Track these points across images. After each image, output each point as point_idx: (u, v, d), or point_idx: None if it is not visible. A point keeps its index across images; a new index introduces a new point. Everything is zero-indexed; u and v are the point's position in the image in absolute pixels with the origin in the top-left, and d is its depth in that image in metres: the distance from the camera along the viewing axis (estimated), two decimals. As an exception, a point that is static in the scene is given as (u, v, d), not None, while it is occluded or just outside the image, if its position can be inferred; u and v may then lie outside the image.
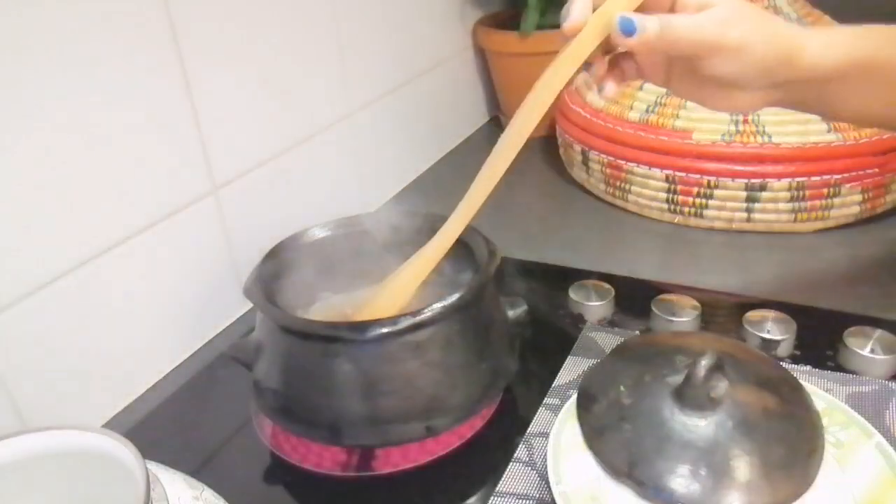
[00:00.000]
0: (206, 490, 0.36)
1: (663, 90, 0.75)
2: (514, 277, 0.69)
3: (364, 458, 0.50)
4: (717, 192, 0.72)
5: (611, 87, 0.46)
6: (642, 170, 0.75)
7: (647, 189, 0.76)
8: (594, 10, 0.42)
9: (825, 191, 0.70)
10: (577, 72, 0.44)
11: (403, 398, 0.47)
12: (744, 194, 0.71)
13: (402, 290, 0.52)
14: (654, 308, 0.61)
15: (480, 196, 0.48)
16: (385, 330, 0.45)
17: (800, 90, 0.46)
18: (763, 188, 0.70)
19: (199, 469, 0.50)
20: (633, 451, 0.43)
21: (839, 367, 0.54)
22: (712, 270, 0.69)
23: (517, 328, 0.54)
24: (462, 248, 0.55)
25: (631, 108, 0.76)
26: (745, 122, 0.70)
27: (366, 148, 0.81)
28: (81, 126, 0.50)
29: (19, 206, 0.47)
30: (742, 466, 0.41)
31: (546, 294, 0.67)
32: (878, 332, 0.55)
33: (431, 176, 0.94)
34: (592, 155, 0.80)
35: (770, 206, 0.71)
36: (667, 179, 0.73)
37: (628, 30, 0.41)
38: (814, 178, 0.69)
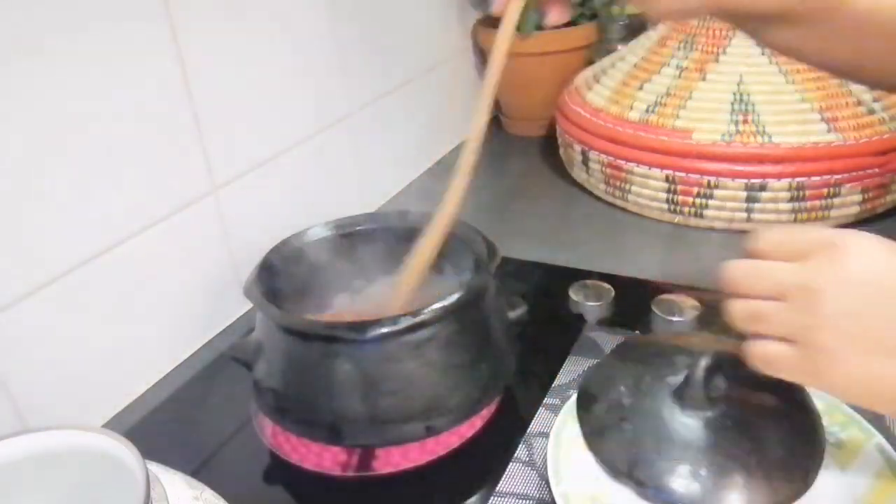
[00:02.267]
0: (206, 490, 0.36)
1: (664, 90, 0.75)
2: (514, 277, 0.69)
3: (364, 458, 0.50)
4: (717, 192, 0.72)
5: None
6: (642, 170, 0.75)
7: (647, 189, 0.76)
8: None
9: (825, 191, 0.70)
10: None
11: (403, 398, 0.47)
12: (744, 194, 0.71)
13: (403, 288, 0.52)
14: (654, 308, 0.61)
15: (464, 180, 0.50)
16: (385, 330, 0.45)
17: (746, 22, 0.45)
18: (763, 188, 0.70)
19: (199, 469, 0.50)
20: (633, 451, 0.43)
21: (839, 367, 0.54)
22: (712, 270, 0.69)
23: (517, 328, 0.54)
24: (462, 248, 0.55)
25: (631, 108, 0.76)
26: (746, 122, 0.70)
27: (366, 148, 0.81)
28: (82, 126, 0.50)
29: (19, 206, 0.47)
30: (742, 466, 0.41)
31: (546, 294, 0.67)
32: (878, 332, 0.55)
33: (431, 176, 0.94)
34: (592, 155, 0.80)
35: (770, 206, 0.71)
36: (667, 179, 0.73)
37: None
38: (814, 178, 0.69)
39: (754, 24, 0.46)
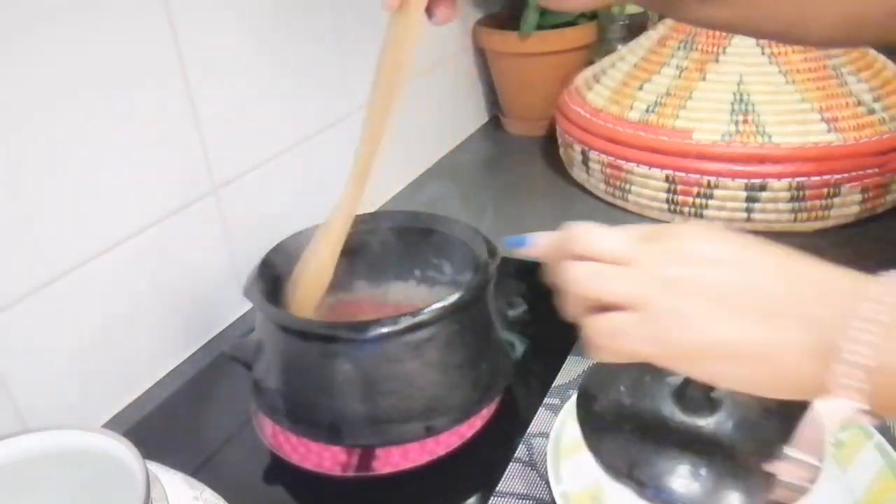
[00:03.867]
0: (206, 490, 0.36)
1: (664, 90, 0.75)
2: (514, 277, 0.69)
3: (364, 458, 0.50)
4: (717, 192, 0.72)
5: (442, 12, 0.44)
6: (642, 170, 0.75)
7: (647, 189, 0.76)
8: None
9: (825, 191, 0.70)
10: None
11: (403, 398, 0.47)
12: (744, 194, 0.71)
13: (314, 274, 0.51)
14: (654, 308, 0.61)
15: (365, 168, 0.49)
16: (385, 330, 0.45)
17: (669, 7, 0.45)
18: (763, 188, 0.70)
19: (199, 469, 0.50)
20: (633, 451, 0.43)
21: (839, 367, 0.54)
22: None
23: (517, 328, 0.54)
24: (462, 248, 0.55)
25: (631, 108, 0.76)
26: (745, 122, 0.70)
27: (366, 148, 0.81)
28: (82, 126, 0.50)
29: (20, 207, 0.47)
30: (742, 466, 0.40)
31: (546, 294, 0.67)
32: (878, 332, 0.55)
33: (431, 176, 0.94)
34: (592, 155, 0.80)
35: (770, 206, 0.71)
36: (667, 179, 0.73)
37: None
38: (814, 178, 0.69)
39: (679, 8, 0.45)
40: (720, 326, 0.32)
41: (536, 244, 0.40)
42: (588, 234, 0.36)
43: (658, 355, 0.33)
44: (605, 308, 0.35)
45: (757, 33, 0.49)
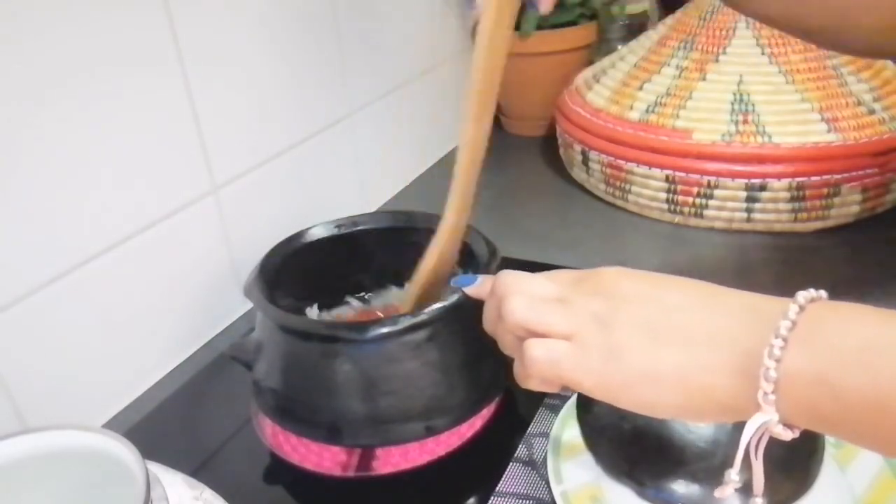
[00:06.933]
0: (206, 490, 0.36)
1: (664, 90, 0.75)
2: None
3: (364, 458, 0.50)
4: (717, 192, 0.72)
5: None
6: (642, 170, 0.75)
7: (647, 189, 0.76)
8: None
9: (825, 191, 0.70)
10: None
11: (403, 398, 0.47)
12: (744, 194, 0.71)
13: (407, 301, 0.52)
14: (654, 308, 0.61)
15: (462, 192, 0.49)
16: (385, 330, 0.45)
17: None
18: (763, 188, 0.70)
19: (199, 469, 0.50)
20: (633, 451, 0.43)
21: (839, 367, 0.54)
22: (712, 270, 0.69)
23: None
24: (462, 248, 0.55)
25: (631, 108, 0.76)
26: (745, 122, 0.70)
27: (366, 148, 0.81)
28: (82, 126, 0.50)
29: (20, 207, 0.47)
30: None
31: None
32: (878, 332, 0.55)
33: (431, 176, 0.94)
34: (592, 155, 0.80)
35: (770, 206, 0.71)
36: (667, 179, 0.73)
37: None
38: (814, 178, 0.69)
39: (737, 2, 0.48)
40: (649, 356, 0.33)
41: (483, 284, 0.42)
42: (521, 278, 0.38)
43: (591, 384, 0.34)
44: (539, 337, 0.35)
45: (801, 31, 0.51)
